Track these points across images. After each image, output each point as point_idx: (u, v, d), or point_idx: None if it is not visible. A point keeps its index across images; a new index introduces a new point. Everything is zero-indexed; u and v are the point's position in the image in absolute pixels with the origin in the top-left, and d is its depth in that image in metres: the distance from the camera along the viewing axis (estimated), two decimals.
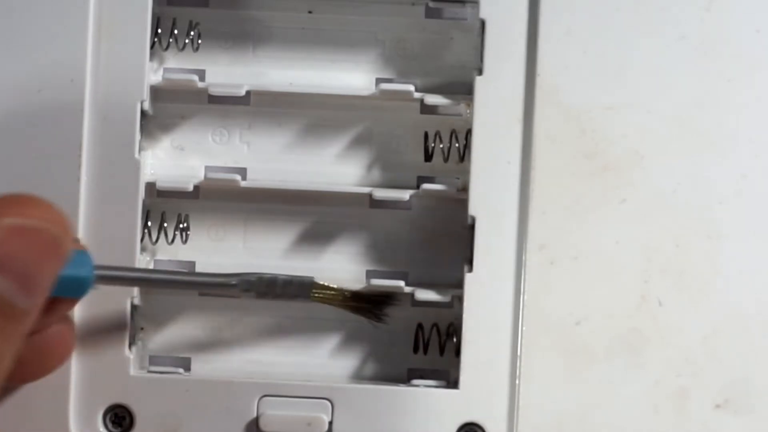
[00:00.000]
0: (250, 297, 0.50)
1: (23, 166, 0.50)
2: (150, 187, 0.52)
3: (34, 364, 0.46)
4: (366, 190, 0.52)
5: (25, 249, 0.40)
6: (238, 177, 0.52)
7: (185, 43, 0.53)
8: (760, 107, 0.50)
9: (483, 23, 0.51)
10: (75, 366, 0.50)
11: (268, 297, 0.50)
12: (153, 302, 0.53)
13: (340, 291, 0.51)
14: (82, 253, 0.45)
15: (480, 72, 0.51)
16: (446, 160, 0.52)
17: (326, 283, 0.50)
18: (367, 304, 0.51)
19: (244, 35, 0.53)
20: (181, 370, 0.52)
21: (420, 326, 0.52)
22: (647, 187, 0.50)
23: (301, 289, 0.50)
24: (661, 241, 0.50)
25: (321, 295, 0.50)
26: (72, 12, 0.50)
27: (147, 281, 0.50)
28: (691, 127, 0.50)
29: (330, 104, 0.53)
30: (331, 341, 0.53)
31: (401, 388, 0.51)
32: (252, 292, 0.49)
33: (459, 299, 0.51)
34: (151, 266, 0.53)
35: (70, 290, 0.44)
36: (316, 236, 0.53)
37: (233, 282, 0.49)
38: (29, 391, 0.49)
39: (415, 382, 0.52)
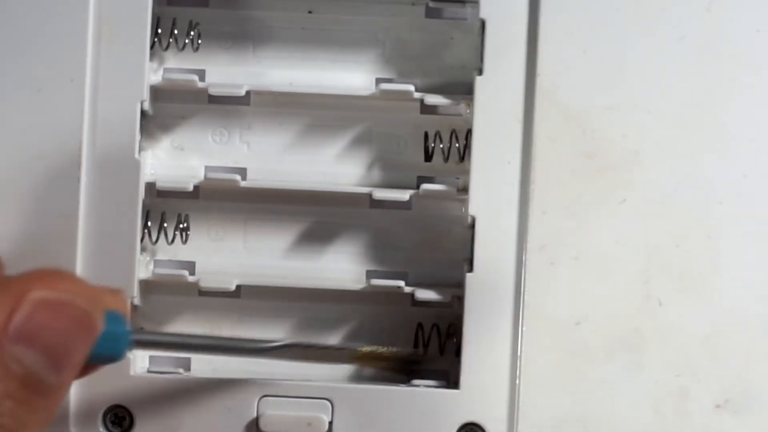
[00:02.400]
0: (286, 359, 0.49)
1: (23, 166, 0.50)
2: (150, 187, 0.52)
3: None
4: (366, 190, 0.52)
5: (55, 323, 0.39)
6: (238, 177, 0.52)
7: (185, 43, 0.53)
8: (760, 107, 0.50)
9: (483, 23, 0.51)
10: None
11: (304, 359, 0.50)
12: (153, 302, 0.53)
13: (382, 356, 0.51)
14: (116, 319, 0.42)
15: (480, 72, 0.51)
16: (446, 160, 0.52)
17: (367, 349, 0.51)
18: (405, 365, 0.51)
19: (244, 35, 0.53)
20: (181, 370, 0.52)
21: (420, 326, 0.52)
22: (647, 187, 0.50)
23: (340, 355, 0.50)
24: (661, 240, 0.50)
25: (362, 361, 0.51)
26: (72, 12, 0.50)
27: (186, 347, 0.48)
28: (691, 127, 0.50)
29: (330, 104, 0.53)
30: (332, 341, 0.53)
31: (401, 388, 0.51)
32: (289, 356, 0.49)
33: (459, 299, 0.51)
34: (150, 267, 0.52)
35: (103, 359, 0.42)
36: (316, 236, 0.53)
37: (274, 346, 0.48)
38: None
39: (415, 382, 0.52)
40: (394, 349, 0.52)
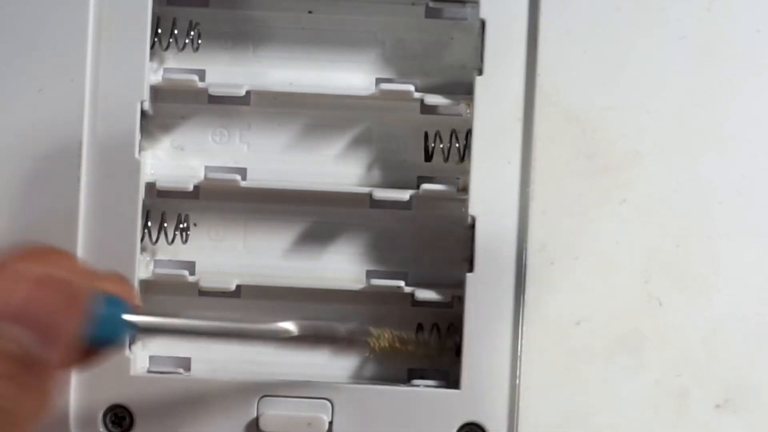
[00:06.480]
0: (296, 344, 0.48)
1: (23, 166, 0.50)
2: (150, 187, 0.52)
3: None
4: (366, 190, 0.52)
5: (45, 299, 0.39)
6: (238, 177, 0.52)
7: (185, 43, 0.53)
8: (760, 107, 0.51)
9: (483, 23, 0.51)
10: None
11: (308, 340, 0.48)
12: (153, 302, 0.53)
13: (397, 339, 0.50)
14: (114, 302, 0.42)
15: (480, 72, 0.51)
16: (446, 160, 0.52)
17: (382, 332, 0.50)
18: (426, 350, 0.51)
19: (244, 35, 0.53)
20: (181, 370, 0.52)
21: (420, 326, 0.52)
22: (647, 187, 0.50)
23: (354, 338, 0.49)
24: (661, 240, 0.50)
25: (379, 345, 0.50)
26: (72, 12, 0.50)
27: (191, 333, 0.47)
28: (691, 127, 0.51)
29: (330, 104, 0.53)
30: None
31: (401, 388, 0.51)
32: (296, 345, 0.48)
33: (459, 299, 0.51)
34: (150, 267, 0.52)
35: (101, 342, 0.41)
36: (316, 236, 0.53)
37: (282, 331, 0.47)
38: None
39: (415, 382, 0.52)
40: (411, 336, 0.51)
